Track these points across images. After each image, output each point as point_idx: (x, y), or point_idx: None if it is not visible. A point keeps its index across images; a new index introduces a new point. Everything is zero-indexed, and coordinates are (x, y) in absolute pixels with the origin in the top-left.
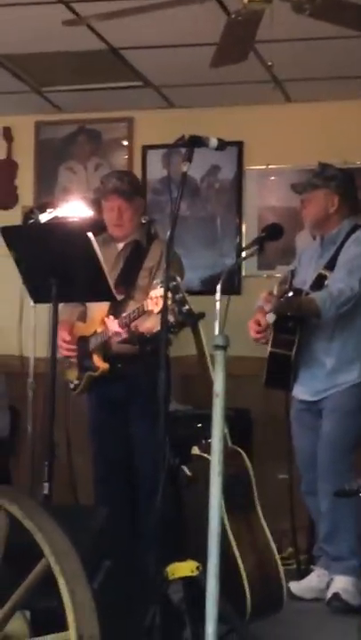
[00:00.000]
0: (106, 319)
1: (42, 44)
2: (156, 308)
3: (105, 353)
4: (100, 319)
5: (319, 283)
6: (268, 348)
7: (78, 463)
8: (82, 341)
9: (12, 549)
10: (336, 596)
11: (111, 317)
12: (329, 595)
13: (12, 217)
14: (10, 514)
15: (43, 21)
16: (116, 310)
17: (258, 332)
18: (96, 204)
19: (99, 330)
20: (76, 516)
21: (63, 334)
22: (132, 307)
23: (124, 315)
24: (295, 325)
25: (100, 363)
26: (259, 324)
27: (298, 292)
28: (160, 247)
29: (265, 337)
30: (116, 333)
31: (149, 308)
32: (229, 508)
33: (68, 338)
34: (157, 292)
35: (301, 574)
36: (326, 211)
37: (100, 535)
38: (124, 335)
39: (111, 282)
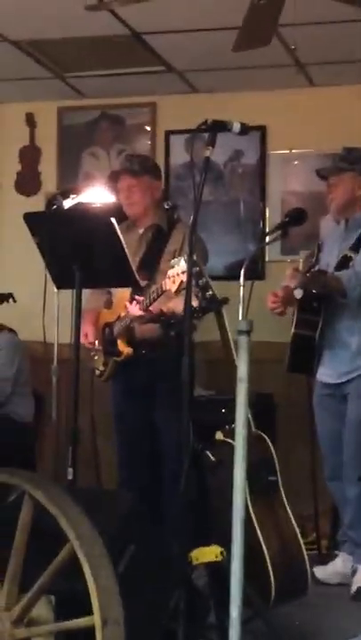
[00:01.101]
0: (127, 304)
1: (64, 29)
2: (174, 287)
3: (129, 338)
4: (123, 304)
5: (344, 264)
6: (292, 330)
7: (103, 448)
8: (107, 328)
9: (37, 534)
10: None
11: (134, 302)
12: (354, 589)
13: (36, 203)
14: (34, 499)
15: (65, 7)
16: (138, 295)
17: (273, 302)
18: (117, 190)
19: (122, 315)
20: (101, 501)
21: (86, 328)
22: (152, 289)
23: (143, 298)
24: (319, 305)
25: (124, 347)
26: (276, 295)
27: (323, 272)
28: (182, 231)
29: (280, 307)
30: (139, 317)
31: (167, 288)
32: (253, 492)
33: (91, 335)
34: (174, 270)
35: (324, 559)
36: (353, 194)
37: (124, 520)
38: (146, 317)
39: (134, 267)
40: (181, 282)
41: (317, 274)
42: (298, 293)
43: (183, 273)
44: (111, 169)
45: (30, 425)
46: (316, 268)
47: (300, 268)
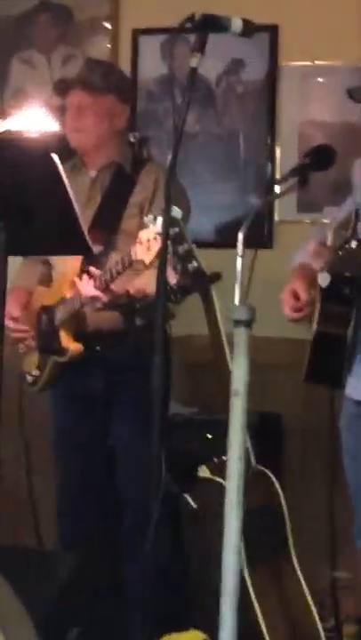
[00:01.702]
0: (76, 280)
1: None
2: (148, 256)
3: (77, 329)
4: (69, 280)
5: None
6: (313, 326)
7: (38, 488)
8: (44, 313)
9: None
10: None
11: (84, 277)
12: None
13: None
14: None
15: None
16: (91, 267)
17: (296, 309)
18: (63, 112)
19: (68, 296)
20: (33, 566)
21: (12, 308)
22: (114, 259)
23: (102, 271)
24: (353, 294)
25: (69, 343)
26: (297, 297)
27: None
28: (154, 174)
29: (306, 314)
30: (93, 298)
31: (138, 257)
32: (252, 554)
33: (17, 313)
34: (149, 232)
35: None
36: None
37: (65, 593)
38: (104, 299)
39: (84, 225)
40: (159, 250)
41: (356, 251)
42: (324, 280)
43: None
44: (53, 81)
45: None
46: (353, 243)
47: (329, 241)
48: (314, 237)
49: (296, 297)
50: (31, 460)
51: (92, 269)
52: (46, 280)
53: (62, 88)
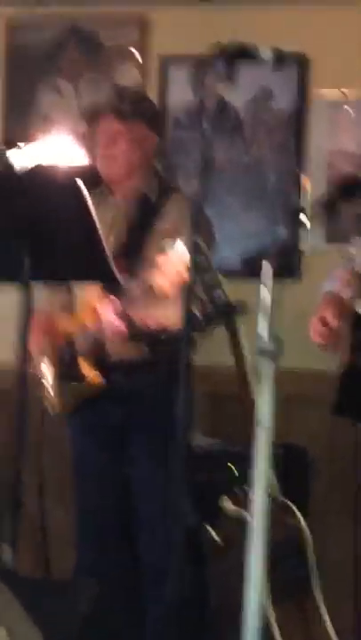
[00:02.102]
0: (97, 306)
1: None
2: (166, 282)
3: (97, 358)
4: (91, 309)
5: None
6: (342, 358)
7: (55, 517)
8: (65, 341)
9: None
10: None
11: (105, 303)
12: None
13: None
14: None
15: None
16: (114, 295)
17: (325, 337)
18: (90, 139)
19: (89, 324)
20: (52, 597)
21: (36, 336)
22: (133, 285)
23: (121, 299)
24: None
25: (89, 372)
26: (326, 324)
27: None
28: (180, 204)
29: (335, 342)
30: (113, 328)
31: (156, 282)
32: (275, 588)
33: (40, 345)
34: (167, 257)
35: None
36: None
37: (84, 626)
38: (124, 329)
39: (109, 254)
40: (178, 276)
41: None
42: (359, 305)
43: (181, 263)
44: (80, 109)
45: None
46: None
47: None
48: (343, 266)
49: (325, 323)
50: (45, 486)
51: (114, 298)
52: (68, 307)
53: (92, 115)
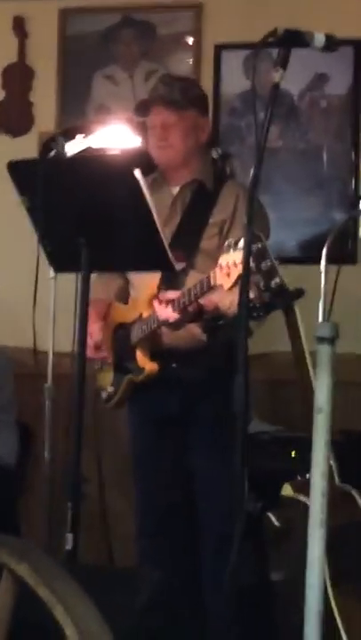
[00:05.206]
0: (155, 304)
1: None
2: (228, 282)
3: (153, 348)
4: (148, 298)
5: None
6: None
7: (115, 506)
8: (121, 331)
9: (21, 628)
10: None
11: (163, 303)
12: None
13: (26, 146)
14: (17, 576)
15: None
16: (170, 285)
17: None
18: (144, 128)
19: (145, 314)
20: (114, 584)
21: (92, 327)
22: (192, 280)
23: (179, 293)
24: None
25: (145, 362)
26: None
27: None
28: (235, 191)
29: None
30: (169, 317)
31: (218, 282)
32: (337, 575)
33: (96, 333)
34: (230, 257)
35: None
36: None
37: (147, 612)
38: (179, 319)
39: (166, 243)
40: (239, 276)
41: None
42: None
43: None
44: (136, 99)
45: (12, 469)
46: None
47: None
48: None
49: None
50: (105, 475)
51: (170, 293)
52: (124, 295)
53: (143, 109)
